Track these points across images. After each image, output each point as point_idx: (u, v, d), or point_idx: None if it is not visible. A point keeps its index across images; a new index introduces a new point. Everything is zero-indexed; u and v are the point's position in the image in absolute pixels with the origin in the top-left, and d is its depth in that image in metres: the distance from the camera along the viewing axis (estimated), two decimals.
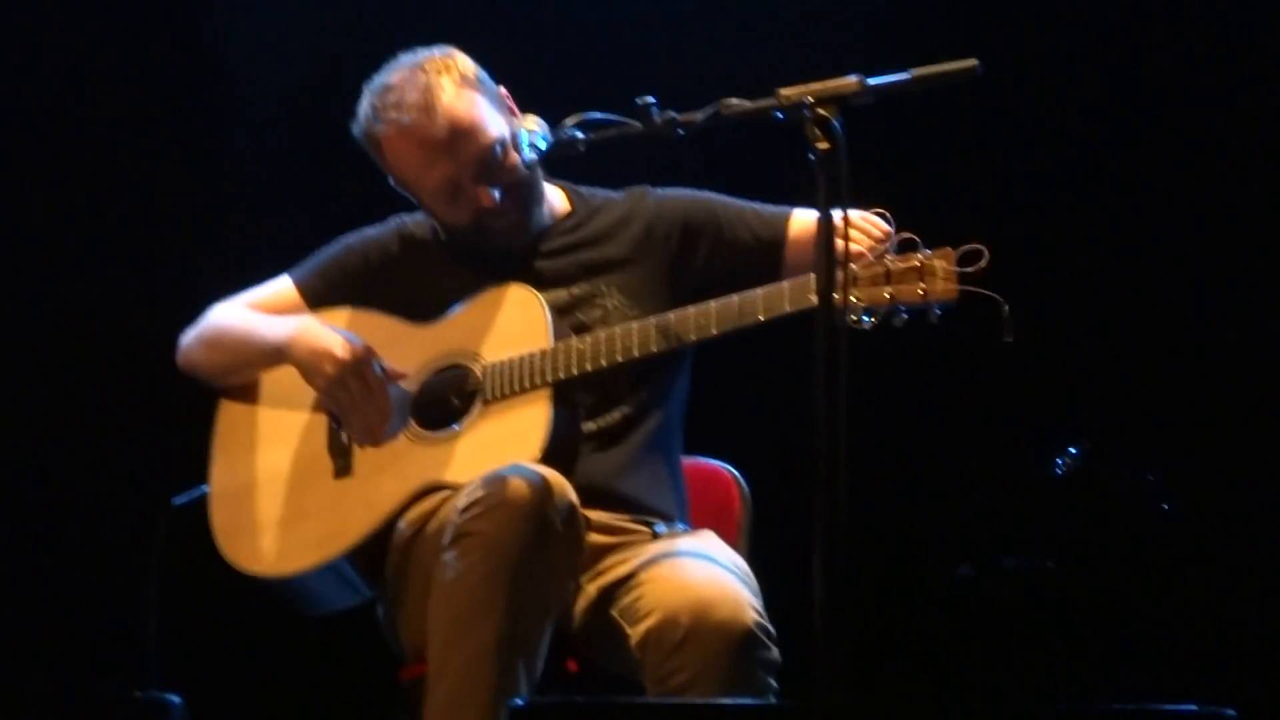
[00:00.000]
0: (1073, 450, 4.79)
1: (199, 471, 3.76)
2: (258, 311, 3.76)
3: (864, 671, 4.70)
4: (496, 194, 3.57)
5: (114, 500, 5.06)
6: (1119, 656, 4.85)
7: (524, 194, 3.63)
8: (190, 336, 3.80)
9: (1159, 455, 4.89)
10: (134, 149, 5.33)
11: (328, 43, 5.29)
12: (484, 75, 3.63)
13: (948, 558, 5.01)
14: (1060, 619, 4.90)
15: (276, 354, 3.65)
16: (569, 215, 3.74)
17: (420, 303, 3.67)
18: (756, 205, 3.68)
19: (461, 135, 3.55)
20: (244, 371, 3.74)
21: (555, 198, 3.75)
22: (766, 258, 3.57)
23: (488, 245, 3.66)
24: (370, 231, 3.81)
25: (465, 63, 3.62)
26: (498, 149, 3.55)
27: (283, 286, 3.80)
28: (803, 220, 3.60)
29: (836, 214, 2.75)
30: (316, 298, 3.76)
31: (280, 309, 3.75)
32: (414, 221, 3.79)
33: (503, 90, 3.64)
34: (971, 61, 2.82)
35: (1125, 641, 4.86)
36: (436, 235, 3.75)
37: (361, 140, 3.67)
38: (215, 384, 3.79)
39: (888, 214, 3.25)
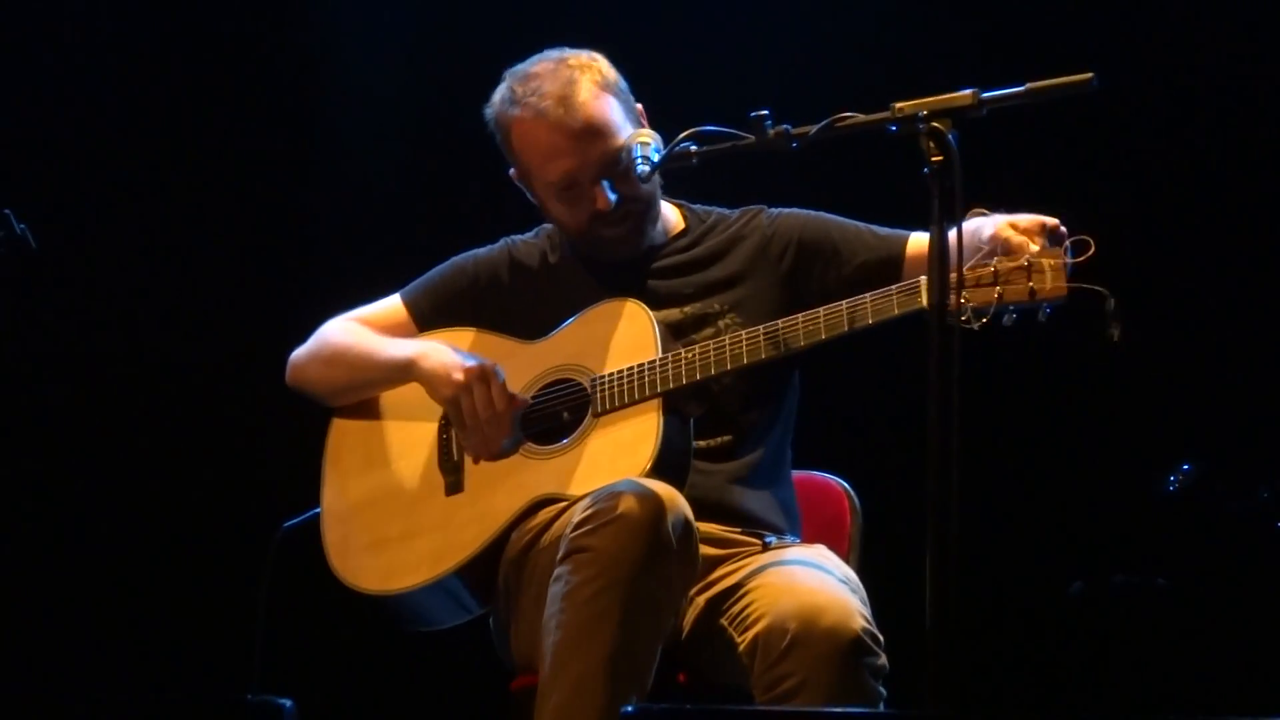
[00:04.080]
0: (1186, 467, 4.76)
1: (311, 493, 3.77)
2: (371, 329, 3.78)
3: (974, 685, 4.68)
4: (613, 197, 3.58)
5: (229, 524, 5.12)
6: (1229, 674, 4.80)
7: (641, 208, 3.64)
8: (304, 353, 3.82)
9: (1273, 473, 4.84)
10: (236, 168, 5.38)
11: (440, 63, 5.31)
12: (624, 85, 3.66)
13: (1059, 573, 4.99)
14: (1171, 636, 4.86)
15: (402, 370, 3.67)
16: (683, 232, 3.75)
17: (529, 320, 3.69)
18: (874, 226, 3.65)
19: (592, 133, 3.57)
20: (362, 389, 3.76)
21: (670, 214, 3.76)
22: (883, 277, 3.46)
23: (599, 257, 3.67)
24: (480, 251, 3.83)
25: (608, 68, 3.65)
26: (623, 156, 3.55)
27: (392, 305, 3.83)
28: (921, 240, 3.52)
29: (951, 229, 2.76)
30: (424, 317, 3.79)
31: (389, 327, 3.78)
32: (523, 241, 3.82)
33: (639, 106, 3.66)
34: (1088, 75, 2.81)
35: (1235, 659, 4.81)
36: (545, 256, 3.77)
37: (491, 124, 3.70)
38: (329, 402, 3.80)
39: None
